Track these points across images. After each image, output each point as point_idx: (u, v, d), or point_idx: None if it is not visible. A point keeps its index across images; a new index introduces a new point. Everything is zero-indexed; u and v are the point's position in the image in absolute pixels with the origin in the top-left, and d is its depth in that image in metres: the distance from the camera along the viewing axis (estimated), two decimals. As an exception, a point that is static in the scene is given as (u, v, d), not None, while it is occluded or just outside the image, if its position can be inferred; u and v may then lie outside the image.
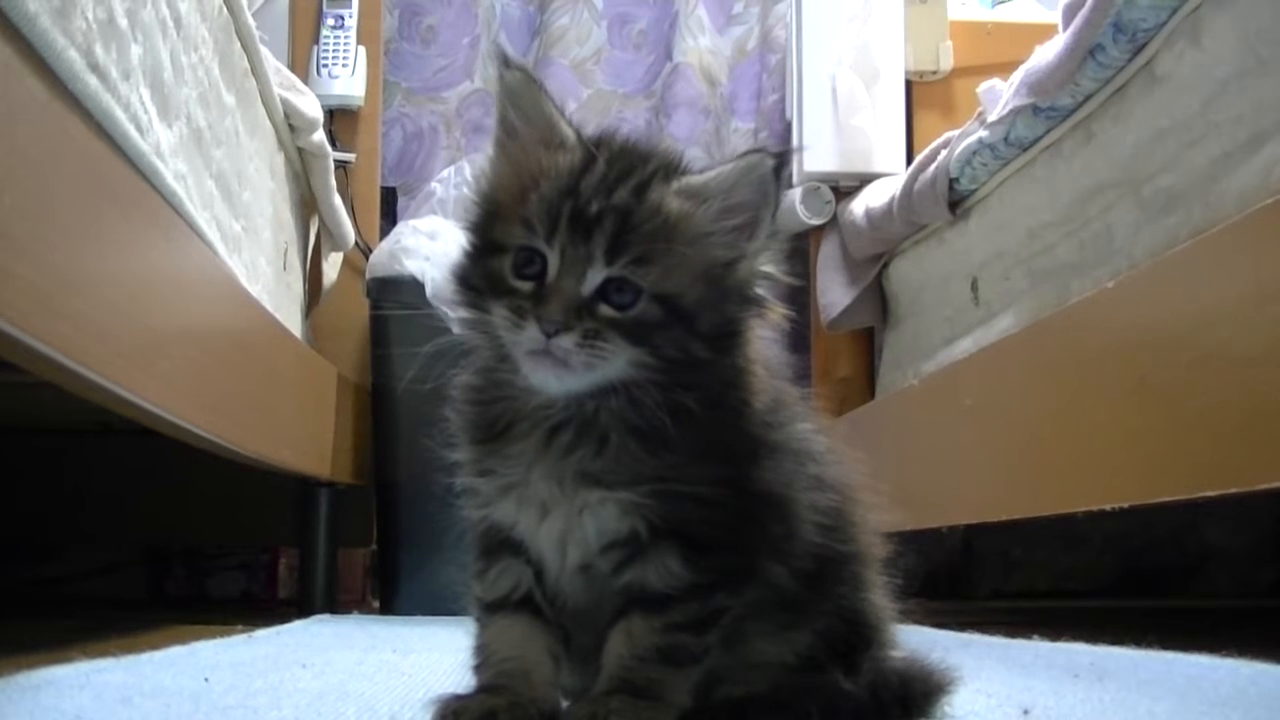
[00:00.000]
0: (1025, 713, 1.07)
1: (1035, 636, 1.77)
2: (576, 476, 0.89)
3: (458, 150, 3.42)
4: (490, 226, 0.92)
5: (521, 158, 0.92)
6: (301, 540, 2.68)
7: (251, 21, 1.98)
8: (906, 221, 2.69)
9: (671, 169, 0.91)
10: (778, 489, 0.92)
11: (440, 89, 3.47)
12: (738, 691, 0.94)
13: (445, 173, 3.10)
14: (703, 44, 3.53)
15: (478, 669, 0.93)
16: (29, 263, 1.01)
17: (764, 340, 0.94)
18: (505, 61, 0.94)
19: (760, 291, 0.92)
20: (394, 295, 2.69)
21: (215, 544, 3.15)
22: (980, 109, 2.30)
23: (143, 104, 1.36)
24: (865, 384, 3.18)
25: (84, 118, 1.18)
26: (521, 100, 0.93)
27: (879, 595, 1.02)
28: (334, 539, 2.68)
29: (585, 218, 0.87)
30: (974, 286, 2.44)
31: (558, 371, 0.86)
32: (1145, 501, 1.54)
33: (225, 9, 1.83)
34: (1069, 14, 1.88)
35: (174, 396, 1.43)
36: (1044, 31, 2.14)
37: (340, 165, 2.96)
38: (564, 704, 0.93)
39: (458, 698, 0.89)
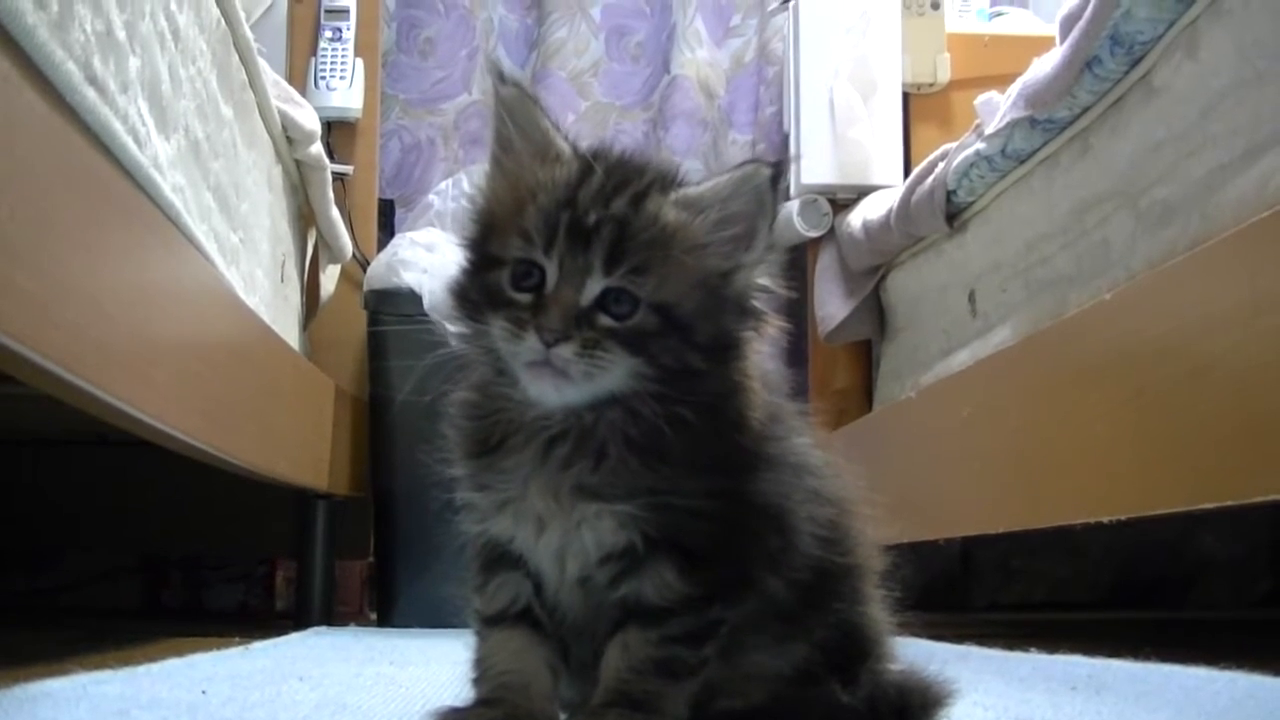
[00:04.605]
0: (1023, 725, 1.07)
1: (1033, 649, 1.76)
2: (573, 490, 0.89)
3: (456, 162, 3.42)
4: (487, 241, 0.92)
5: (518, 172, 0.92)
6: (299, 552, 2.67)
7: (249, 34, 1.98)
8: (904, 233, 2.70)
9: (668, 180, 0.92)
10: (775, 501, 0.92)
11: (438, 101, 3.47)
12: (735, 704, 0.94)
13: (443, 185, 3.10)
14: (700, 56, 3.53)
15: (476, 682, 0.93)
16: (27, 274, 1.01)
17: (761, 355, 0.94)
18: (500, 77, 0.95)
19: (757, 304, 0.92)
20: (392, 307, 2.69)
21: (212, 555, 3.14)
22: (977, 121, 2.30)
23: (141, 116, 1.36)
24: (863, 396, 3.17)
25: (82, 130, 1.18)
26: (517, 115, 0.93)
27: (876, 608, 1.02)
28: (331, 551, 2.67)
29: (583, 228, 0.87)
30: (971, 298, 2.45)
31: (557, 382, 0.86)
32: (1143, 513, 1.54)
33: (223, 21, 1.83)
34: (1066, 26, 1.88)
35: (171, 408, 1.43)
36: (1041, 44, 2.14)
37: (338, 177, 2.95)
38: (562, 717, 0.93)
39: (456, 710, 0.90)
